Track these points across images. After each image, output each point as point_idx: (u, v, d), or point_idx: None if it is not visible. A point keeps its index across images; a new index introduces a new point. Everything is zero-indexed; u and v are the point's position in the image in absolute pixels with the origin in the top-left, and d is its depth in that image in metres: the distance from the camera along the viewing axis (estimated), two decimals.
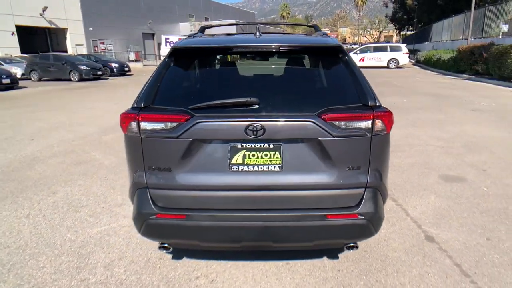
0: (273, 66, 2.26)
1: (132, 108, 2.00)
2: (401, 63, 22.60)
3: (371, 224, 1.99)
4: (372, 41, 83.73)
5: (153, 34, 40.55)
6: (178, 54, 2.15)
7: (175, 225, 1.99)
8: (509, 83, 12.89)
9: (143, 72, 24.70)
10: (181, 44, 2.14)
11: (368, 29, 70.41)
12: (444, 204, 3.42)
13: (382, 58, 22.67)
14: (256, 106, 1.91)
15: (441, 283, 2.29)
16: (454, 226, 3.01)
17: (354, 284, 2.30)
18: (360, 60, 23.15)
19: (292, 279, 2.35)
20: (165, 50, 38.86)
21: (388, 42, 49.76)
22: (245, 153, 1.93)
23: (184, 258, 2.60)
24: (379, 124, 1.90)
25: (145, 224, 2.02)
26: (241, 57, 2.30)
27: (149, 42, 40.97)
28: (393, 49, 22.84)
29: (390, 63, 22.52)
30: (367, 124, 1.89)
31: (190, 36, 2.84)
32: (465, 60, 16.51)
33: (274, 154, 1.92)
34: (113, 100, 11.15)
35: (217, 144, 1.93)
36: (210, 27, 3.09)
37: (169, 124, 1.92)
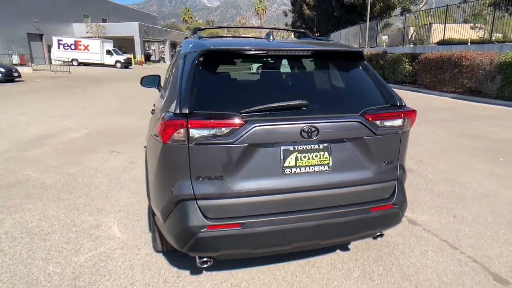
0: (304, 70, 2.31)
1: (175, 114, 1.83)
2: None
3: (401, 212, 2.22)
4: None
5: (41, 35, 35.77)
6: (213, 55, 2.05)
7: (229, 236, 1.89)
8: (402, 86, 15.22)
9: (35, 77, 21.65)
10: (216, 46, 2.04)
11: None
12: (409, 192, 3.90)
13: None
14: (304, 108, 1.95)
15: (441, 258, 2.65)
16: (425, 209, 3.49)
17: (375, 270, 2.50)
18: None
19: (321, 275, 2.44)
20: (59, 53, 34.75)
21: None
22: (297, 155, 1.95)
23: (204, 272, 2.46)
24: (407, 121, 2.13)
25: (194, 238, 1.87)
26: (274, 61, 2.29)
27: (37, 44, 35.95)
28: None
29: None
30: (399, 122, 2.10)
31: (186, 38, 2.71)
32: None
33: (323, 155, 1.98)
34: (15, 110, 9.56)
35: (270, 148, 1.91)
36: (203, 29, 2.97)
37: (222, 130, 1.82)
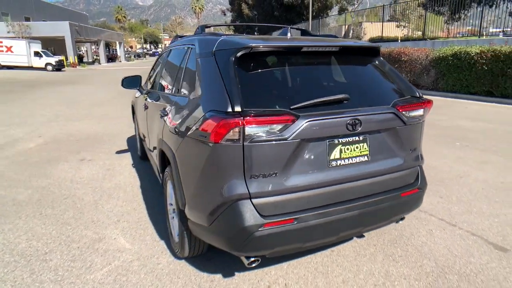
0: (334, 65, 2.36)
1: (226, 113, 1.77)
2: None
3: (423, 195, 2.39)
4: None
5: None
6: (252, 53, 2.01)
7: (284, 232, 1.88)
8: None
9: None
10: (257, 43, 2.00)
11: None
12: None
13: None
14: (346, 102, 2.01)
15: (445, 234, 2.90)
16: None
17: (394, 252, 2.66)
18: None
19: (349, 262, 2.54)
20: None
21: None
22: (341, 147, 2.00)
23: (236, 274, 2.42)
24: (426, 111, 2.31)
25: (251, 238, 1.83)
26: (305, 58, 2.30)
27: None
28: None
29: None
30: (421, 111, 2.26)
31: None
32: None
33: (363, 146, 2.07)
34: None
35: (317, 142, 1.94)
36: (209, 26, 2.89)
37: (276, 127, 1.81)
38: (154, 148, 3.16)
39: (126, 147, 5.69)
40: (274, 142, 1.82)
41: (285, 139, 1.82)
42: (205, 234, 2.05)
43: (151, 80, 3.68)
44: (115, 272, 2.44)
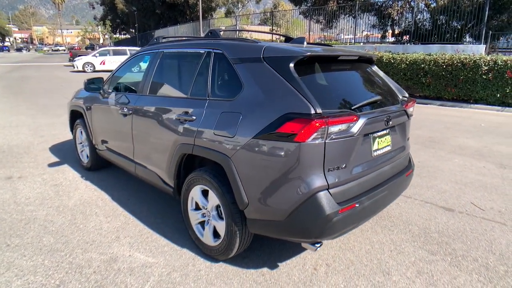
0: (355, 71, 2.70)
1: (311, 115, 1.96)
2: None
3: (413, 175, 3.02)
4: (81, 43, 78.82)
5: None
6: (307, 60, 2.22)
7: (351, 215, 2.18)
8: None
9: None
10: (314, 52, 2.21)
11: (89, 30, 64.35)
12: None
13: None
14: (378, 102, 2.43)
15: (409, 205, 3.65)
16: None
17: (386, 224, 3.24)
18: (101, 64, 22.20)
19: (362, 237, 2.99)
20: None
21: (92, 45, 48.57)
22: (378, 140, 2.41)
23: (279, 264, 2.60)
24: (414, 107, 2.93)
25: (330, 224, 2.07)
26: (338, 64, 2.57)
27: None
28: (132, 52, 23.35)
29: None
30: (412, 108, 2.86)
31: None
32: None
33: (387, 138, 2.52)
34: None
35: (367, 136, 2.29)
36: (217, 32, 2.90)
37: (346, 125, 2.09)
38: (153, 155, 3.01)
39: (57, 159, 4.95)
40: (345, 139, 2.10)
41: (353, 135, 2.13)
42: (276, 228, 2.18)
43: (139, 85, 3.32)
44: (163, 287, 2.32)
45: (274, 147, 2.08)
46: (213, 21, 24.88)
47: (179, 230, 3.05)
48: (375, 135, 2.38)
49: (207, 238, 2.62)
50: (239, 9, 27.62)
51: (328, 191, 2.09)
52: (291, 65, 2.18)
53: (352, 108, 2.21)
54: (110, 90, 3.75)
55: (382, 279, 2.43)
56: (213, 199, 2.50)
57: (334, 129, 2.04)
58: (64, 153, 5.25)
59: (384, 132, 2.48)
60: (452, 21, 14.23)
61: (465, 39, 14.34)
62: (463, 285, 2.39)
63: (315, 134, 1.98)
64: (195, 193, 2.65)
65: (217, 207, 2.51)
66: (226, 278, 2.42)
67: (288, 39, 3.52)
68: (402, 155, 2.77)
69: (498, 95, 9.81)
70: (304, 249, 2.78)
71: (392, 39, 16.73)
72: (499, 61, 9.66)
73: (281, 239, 2.63)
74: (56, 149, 5.44)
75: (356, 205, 2.21)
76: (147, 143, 3.10)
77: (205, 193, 2.62)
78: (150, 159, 3.11)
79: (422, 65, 11.12)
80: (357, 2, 15.47)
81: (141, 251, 2.73)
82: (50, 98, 10.82)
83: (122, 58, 22.59)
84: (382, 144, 2.47)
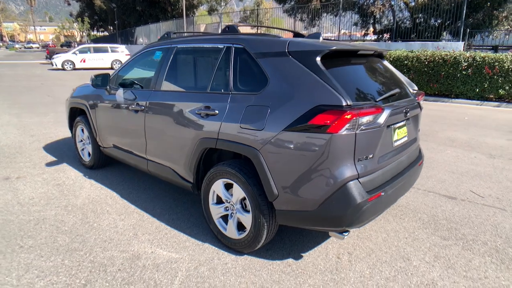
0: (371, 64, 2.77)
1: (343, 106, 2.02)
2: None
3: None
4: (55, 40, 76.09)
5: None
6: (333, 54, 2.27)
7: (377, 203, 2.25)
8: None
9: None
10: (339, 47, 2.27)
11: (66, 27, 61.39)
12: None
13: (104, 59, 22.18)
14: (397, 95, 2.52)
15: (413, 195, 3.79)
16: None
17: (396, 213, 3.35)
18: (81, 61, 21.60)
19: (376, 225, 3.08)
20: None
21: (69, 42, 46.93)
22: (397, 131, 2.50)
23: (303, 255, 2.65)
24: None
25: (361, 212, 2.14)
26: (357, 58, 2.63)
27: None
28: (113, 50, 22.85)
29: (114, 64, 22.49)
30: (422, 100, 2.97)
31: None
32: None
33: (405, 129, 2.61)
34: None
35: (389, 127, 2.37)
36: (235, 28, 2.90)
37: (373, 116, 2.16)
38: (169, 151, 2.99)
39: (54, 158, 4.81)
40: (373, 130, 2.17)
41: (379, 126, 2.20)
42: (307, 218, 2.23)
43: (151, 81, 3.26)
44: (192, 282, 2.32)
45: (305, 138, 2.12)
46: (195, 19, 24.62)
47: (196, 225, 3.05)
48: (395, 126, 2.47)
49: (231, 232, 2.63)
50: (222, 7, 27.47)
51: (358, 181, 2.15)
52: (318, 58, 2.23)
53: (377, 100, 2.28)
54: (116, 87, 3.68)
55: (403, 265, 2.53)
56: (238, 192, 2.52)
57: (364, 120, 2.10)
58: (60, 151, 5.11)
59: (402, 123, 2.57)
60: (430, 19, 14.72)
61: (443, 37, 14.87)
62: (479, 267, 2.52)
63: (347, 125, 2.03)
64: (217, 187, 2.66)
65: (242, 200, 2.53)
66: (254, 270, 2.45)
67: (296, 35, 3.58)
68: (415, 145, 2.88)
69: (477, 89, 10.24)
70: (324, 239, 2.84)
71: (374, 37, 17.13)
72: (478, 58, 10.08)
73: (305, 229, 2.68)
74: (51, 148, 5.28)
75: (382, 194, 2.29)
76: (162, 139, 3.07)
77: (227, 187, 2.63)
78: (165, 155, 3.09)
79: (405, 62, 11.45)
80: (340, 0, 15.75)
81: (162, 248, 2.71)
82: (32, 97, 10.44)
83: (104, 56, 22.13)
84: (400, 135, 2.56)
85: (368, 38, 17.27)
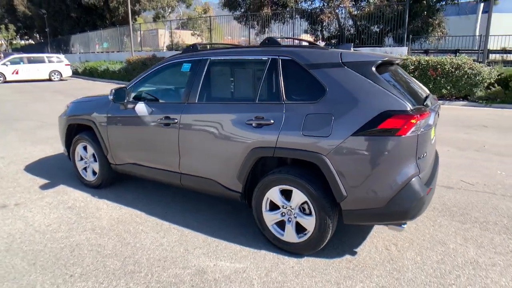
0: (399, 71, 3.04)
1: (408, 111, 2.27)
2: (64, 75, 21.47)
3: None
4: None
5: None
6: (381, 64, 2.52)
7: (429, 196, 2.54)
8: None
9: None
10: (388, 58, 2.53)
11: None
12: None
13: (41, 70, 20.43)
14: (429, 98, 2.85)
15: (451, 194, 4.20)
16: None
17: (436, 214, 3.71)
18: (13, 73, 19.66)
19: (418, 220, 3.38)
20: None
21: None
22: (432, 130, 2.82)
23: (355, 250, 2.85)
24: None
25: (423, 204, 2.41)
26: (392, 66, 2.88)
27: None
28: (51, 60, 21.13)
29: (53, 75, 20.82)
30: None
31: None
32: (139, 70, 18.83)
33: (434, 129, 2.95)
34: None
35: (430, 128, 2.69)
36: (277, 39, 3.00)
37: (427, 119, 2.44)
38: (211, 163, 3.01)
39: (46, 180, 4.43)
40: (426, 131, 2.46)
41: (430, 127, 2.50)
42: (375, 215, 2.44)
43: (183, 94, 3.19)
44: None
45: (375, 141, 2.33)
46: (140, 26, 23.81)
47: (241, 234, 3.09)
48: (432, 126, 2.79)
49: (290, 236, 2.73)
50: (167, 13, 26.86)
51: (419, 176, 2.42)
52: (373, 68, 2.46)
53: (424, 104, 2.57)
54: (132, 101, 3.56)
55: (443, 248, 2.85)
56: (298, 197, 2.63)
57: (423, 122, 2.38)
58: (48, 172, 4.72)
59: (433, 124, 2.91)
60: (374, 26, 16.05)
61: (385, 42, 16.30)
62: (501, 243, 2.94)
63: (413, 128, 2.29)
64: (273, 194, 2.75)
65: (302, 204, 2.65)
66: (321, 270, 2.58)
67: (312, 45, 3.79)
68: (435, 143, 3.25)
69: None
70: (366, 234, 3.07)
71: (322, 43, 18.14)
72: (422, 61, 11.28)
73: (345, 227, 2.89)
74: (35, 170, 4.84)
75: (431, 188, 2.59)
76: (202, 152, 3.06)
77: (283, 193, 2.73)
78: (205, 168, 3.08)
79: None
80: (292, 9, 16.46)
81: (222, 259, 2.72)
82: None
83: (41, 67, 20.40)
84: (433, 134, 2.89)
85: (317, 44, 18.26)
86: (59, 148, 5.85)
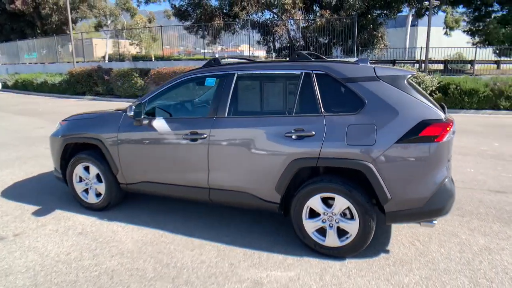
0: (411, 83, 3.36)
1: (443, 120, 2.58)
2: None
3: None
4: None
5: None
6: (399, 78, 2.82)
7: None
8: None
9: None
10: (414, 72, 2.81)
11: None
12: None
13: None
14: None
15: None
16: None
17: None
18: None
19: None
20: None
21: None
22: None
23: (387, 248, 3.09)
24: None
25: (452, 200, 2.74)
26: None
27: None
28: None
29: None
30: None
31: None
32: (83, 82, 17.66)
33: None
34: None
35: None
36: (306, 55, 3.15)
37: (453, 126, 2.78)
38: (246, 176, 3.05)
39: (37, 206, 4.04)
40: (452, 138, 2.79)
41: (453, 134, 2.84)
42: (416, 214, 2.69)
43: (210, 108, 3.16)
44: None
45: (417, 148, 2.61)
46: (78, 35, 22.34)
47: (276, 243, 3.16)
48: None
49: (332, 241, 2.88)
50: (109, 22, 25.53)
51: (449, 177, 2.74)
52: (405, 82, 2.75)
53: (445, 112, 2.92)
54: (147, 117, 3.45)
55: (458, 240, 3.23)
56: (341, 203, 2.80)
57: (453, 129, 2.71)
58: (31, 197, 4.30)
59: None
60: (322, 38, 17.08)
61: (332, 54, 17.41)
62: (500, 231, 3.39)
63: (448, 134, 2.60)
64: (314, 202, 2.88)
65: (344, 209, 2.83)
66: (367, 269, 2.77)
67: (318, 58, 4.03)
68: None
69: None
70: (388, 233, 3.34)
71: (274, 54, 18.78)
72: None
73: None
74: (14, 196, 4.37)
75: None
76: (236, 166, 3.08)
77: (323, 200, 2.88)
78: (240, 181, 3.10)
79: None
80: (244, 20, 16.82)
81: (271, 270, 2.78)
82: None
83: None
84: None
85: (270, 55, 18.86)
86: (28, 170, 5.39)
